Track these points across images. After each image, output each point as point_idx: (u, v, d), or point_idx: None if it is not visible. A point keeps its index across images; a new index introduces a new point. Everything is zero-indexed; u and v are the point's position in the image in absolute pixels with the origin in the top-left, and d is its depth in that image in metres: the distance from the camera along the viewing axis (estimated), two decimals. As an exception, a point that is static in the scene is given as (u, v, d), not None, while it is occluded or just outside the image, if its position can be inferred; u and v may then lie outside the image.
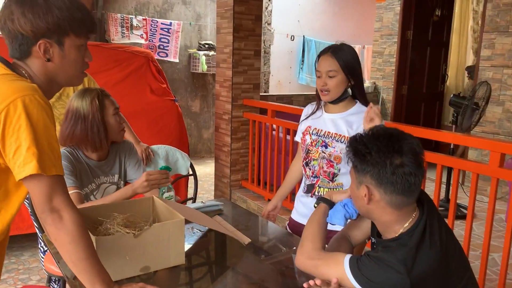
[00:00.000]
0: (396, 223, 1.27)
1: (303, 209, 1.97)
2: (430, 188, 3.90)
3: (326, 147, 1.88)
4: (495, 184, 2.42)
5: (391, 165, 1.18)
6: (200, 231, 1.83)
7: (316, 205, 1.50)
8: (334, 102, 1.88)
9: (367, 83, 6.15)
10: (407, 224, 1.25)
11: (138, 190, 1.81)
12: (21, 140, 1.09)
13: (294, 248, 1.68)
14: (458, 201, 3.76)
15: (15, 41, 1.19)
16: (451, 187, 4.22)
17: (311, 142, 1.91)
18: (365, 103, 1.88)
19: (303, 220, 1.97)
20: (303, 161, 1.96)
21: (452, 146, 3.88)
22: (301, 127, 2.01)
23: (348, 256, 1.26)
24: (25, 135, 1.09)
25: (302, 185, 2.01)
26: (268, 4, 6.61)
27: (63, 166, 1.85)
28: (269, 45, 6.79)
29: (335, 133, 1.87)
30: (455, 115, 3.95)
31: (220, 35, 4.39)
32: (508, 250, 2.33)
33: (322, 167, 1.88)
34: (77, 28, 1.21)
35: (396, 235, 1.26)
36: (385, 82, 5.92)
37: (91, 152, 1.96)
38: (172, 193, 1.80)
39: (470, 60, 7.36)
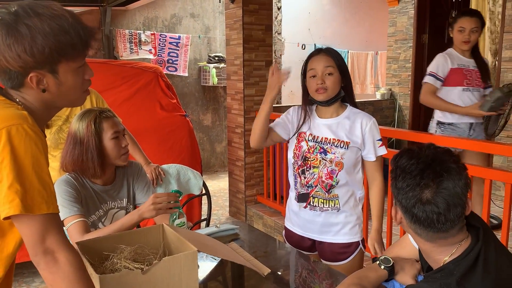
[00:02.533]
0: (436, 253, 1.11)
1: (296, 219, 1.94)
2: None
3: (325, 154, 1.83)
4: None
5: (413, 197, 1.05)
6: (215, 259, 1.69)
7: (378, 263, 1.31)
8: (328, 103, 1.83)
9: (382, 90, 5.97)
10: (454, 251, 1.09)
11: (145, 215, 1.67)
12: (3, 175, 0.97)
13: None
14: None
15: (5, 75, 1.07)
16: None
17: (308, 149, 1.84)
18: (355, 106, 1.90)
19: (297, 230, 1.94)
20: (297, 170, 1.87)
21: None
22: (281, 121, 1.92)
23: None
24: (7, 170, 0.97)
25: (293, 192, 1.94)
26: (278, 14, 6.51)
27: (67, 193, 1.74)
28: (280, 55, 6.67)
29: (333, 139, 1.83)
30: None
31: (230, 46, 4.28)
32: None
33: (321, 177, 1.82)
34: (69, 53, 1.07)
35: (441, 265, 1.10)
36: (402, 88, 5.74)
37: (96, 178, 1.84)
38: (183, 219, 1.66)
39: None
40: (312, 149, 1.84)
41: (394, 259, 1.30)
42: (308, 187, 1.85)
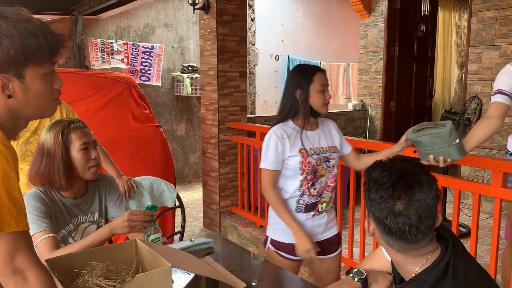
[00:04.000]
0: (407, 264, 1.13)
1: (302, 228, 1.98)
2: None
3: (328, 161, 1.99)
4: (499, 205, 2.30)
5: (386, 209, 1.07)
6: (190, 274, 1.66)
7: (351, 276, 1.32)
8: (317, 114, 1.99)
9: (354, 101, 6.08)
10: (424, 262, 1.11)
11: (116, 231, 1.63)
12: None
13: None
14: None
15: None
16: (447, 205, 4.12)
17: (316, 162, 1.96)
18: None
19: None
20: (307, 183, 1.95)
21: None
22: (276, 156, 1.93)
23: None
24: None
25: (294, 206, 1.98)
26: (252, 25, 6.55)
27: (36, 207, 1.69)
28: (254, 66, 6.70)
29: (328, 146, 2.01)
30: (448, 131, 3.85)
31: (204, 57, 4.28)
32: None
33: (327, 182, 2.00)
34: (36, 57, 1.03)
35: (412, 275, 1.12)
36: (373, 99, 5.85)
37: (63, 191, 1.78)
38: (158, 234, 1.63)
39: (455, 74, 7.37)
40: (319, 161, 1.97)
41: (367, 271, 1.32)
42: (318, 196, 1.99)
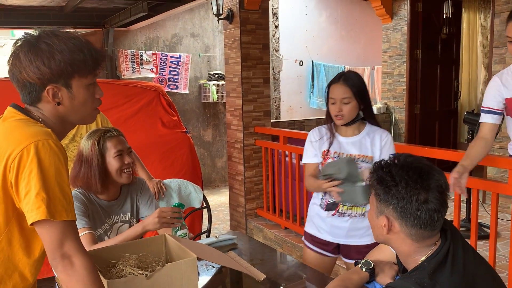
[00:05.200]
0: (416, 254, 1.22)
1: (323, 224, 2.06)
2: (449, 208, 3.80)
3: None
4: (517, 204, 2.34)
5: (417, 201, 1.16)
6: (214, 267, 1.80)
7: (359, 266, 1.42)
8: (348, 124, 2.01)
9: (378, 104, 6.11)
10: (428, 253, 1.21)
11: (148, 227, 1.78)
12: (31, 185, 1.09)
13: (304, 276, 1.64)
14: (480, 220, 3.65)
15: (24, 89, 1.21)
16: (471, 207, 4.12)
17: None
18: (375, 123, 2.06)
19: (321, 235, 2.07)
20: None
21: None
22: (313, 150, 2.08)
23: None
24: (35, 181, 1.09)
25: (319, 201, 2.08)
26: (275, 32, 6.69)
27: (76, 207, 1.86)
28: (278, 72, 6.83)
29: (358, 154, 1.99)
30: (470, 132, 3.87)
31: (229, 65, 4.44)
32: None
33: None
34: (81, 69, 1.21)
35: (417, 264, 1.21)
36: (397, 102, 5.87)
37: (99, 194, 1.95)
38: (185, 230, 1.77)
39: (482, 76, 7.29)
40: None
41: (374, 262, 1.42)
42: None
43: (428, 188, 1.16)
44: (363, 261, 1.42)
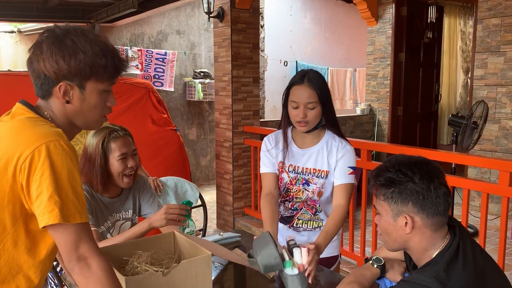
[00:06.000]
0: (432, 247, 1.27)
1: (280, 238, 1.82)
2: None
3: (308, 185, 1.81)
4: (506, 203, 2.43)
5: (434, 189, 1.21)
6: (221, 264, 1.81)
7: (371, 263, 1.45)
8: (308, 131, 1.79)
9: (362, 105, 6.21)
10: (440, 246, 1.25)
11: (155, 224, 1.77)
12: (43, 187, 1.06)
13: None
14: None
15: (38, 80, 1.19)
16: (455, 207, 4.24)
17: (290, 181, 1.82)
18: (337, 131, 1.82)
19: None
20: (280, 199, 1.87)
21: (453, 166, 3.91)
22: (270, 158, 1.86)
23: None
24: (47, 183, 1.06)
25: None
26: (261, 32, 6.71)
27: None
28: (263, 71, 6.86)
29: (313, 169, 1.80)
30: (455, 134, 3.99)
31: (218, 63, 4.44)
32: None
33: (306, 201, 1.84)
34: (99, 74, 1.19)
35: (431, 258, 1.26)
36: (381, 104, 5.99)
37: (100, 193, 1.93)
38: (193, 228, 1.77)
39: (461, 79, 7.50)
40: (294, 181, 1.82)
41: (384, 259, 1.46)
42: (293, 210, 1.86)
43: (436, 175, 1.23)
44: (374, 257, 1.46)
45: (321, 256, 1.72)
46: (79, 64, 1.16)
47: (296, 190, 1.83)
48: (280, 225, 1.89)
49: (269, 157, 1.85)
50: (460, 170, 4.79)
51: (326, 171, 1.79)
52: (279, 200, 1.87)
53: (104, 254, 1.17)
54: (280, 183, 1.85)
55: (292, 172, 1.82)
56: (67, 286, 1.67)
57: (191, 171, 6.66)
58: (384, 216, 1.30)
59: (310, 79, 1.73)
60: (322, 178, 1.79)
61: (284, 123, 1.83)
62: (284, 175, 1.83)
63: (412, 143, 5.77)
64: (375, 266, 1.44)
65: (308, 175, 1.81)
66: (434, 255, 1.26)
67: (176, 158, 3.93)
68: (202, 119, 6.72)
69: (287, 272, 1.45)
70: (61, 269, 2.08)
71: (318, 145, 1.81)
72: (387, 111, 5.87)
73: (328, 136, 1.82)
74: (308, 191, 1.81)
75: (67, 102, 1.20)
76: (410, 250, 1.33)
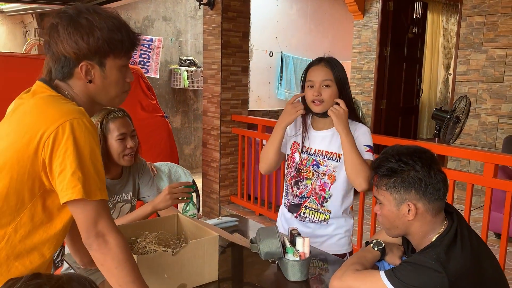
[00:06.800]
0: (432, 231, 1.34)
1: (287, 226, 1.92)
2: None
3: (318, 166, 1.84)
4: (490, 194, 2.54)
5: (434, 175, 1.28)
6: (222, 246, 1.84)
7: (371, 246, 1.49)
8: (324, 115, 1.81)
9: (346, 98, 6.31)
10: (440, 231, 1.32)
11: (159, 206, 1.79)
12: (66, 163, 1.08)
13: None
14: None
15: (58, 63, 1.20)
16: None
17: (301, 161, 1.87)
18: (355, 118, 1.85)
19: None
20: (291, 180, 1.91)
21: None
22: (286, 137, 1.90)
23: (382, 271, 1.31)
24: (71, 159, 1.08)
25: (284, 201, 1.97)
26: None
27: None
28: (249, 61, 6.87)
29: (325, 151, 1.84)
30: (438, 128, 4.11)
31: (208, 51, 4.43)
32: (504, 259, 2.45)
33: (315, 188, 1.85)
34: (117, 49, 1.21)
35: (430, 242, 1.32)
36: (364, 97, 6.10)
37: None
38: (195, 211, 1.80)
39: (441, 75, 7.69)
40: (305, 161, 1.85)
41: (384, 242, 1.52)
42: (301, 198, 1.88)
43: (434, 161, 1.31)
44: (375, 241, 1.52)
45: (333, 252, 1.83)
46: (98, 41, 1.17)
47: (307, 171, 1.86)
48: (288, 214, 1.94)
49: (285, 139, 1.89)
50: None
51: (339, 154, 1.81)
52: (291, 182, 1.91)
53: (120, 232, 1.19)
54: (292, 162, 1.90)
55: (304, 153, 1.87)
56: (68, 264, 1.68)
57: (174, 159, 6.67)
58: (386, 206, 1.36)
59: (327, 60, 1.81)
60: (333, 160, 1.82)
61: (303, 105, 1.85)
62: (296, 155, 1.88)
63: (394, 136, 5.90)
64: (376, 249, 1.50)
65: (319, 157, 1.84)
66: (433, 239, 1.32)
67: (165, 145, 3.93)
68: (187, 107, 6.70)
69: (289, 258, 1.54)
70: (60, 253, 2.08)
71: (333, 128, 1.82)
72: (371, 104, 5.99)
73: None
74: (319, 172, 1.84)
75: (90, 81, 1.21)
76: (411, 235, 1.39)
